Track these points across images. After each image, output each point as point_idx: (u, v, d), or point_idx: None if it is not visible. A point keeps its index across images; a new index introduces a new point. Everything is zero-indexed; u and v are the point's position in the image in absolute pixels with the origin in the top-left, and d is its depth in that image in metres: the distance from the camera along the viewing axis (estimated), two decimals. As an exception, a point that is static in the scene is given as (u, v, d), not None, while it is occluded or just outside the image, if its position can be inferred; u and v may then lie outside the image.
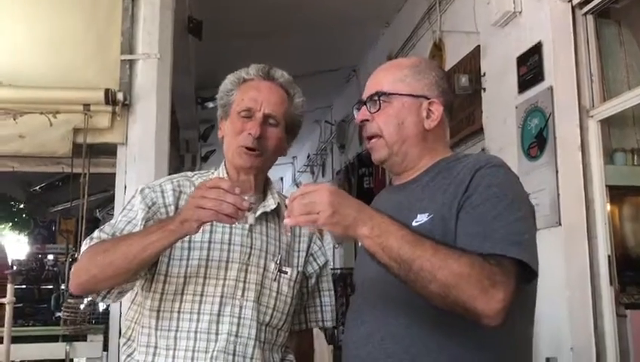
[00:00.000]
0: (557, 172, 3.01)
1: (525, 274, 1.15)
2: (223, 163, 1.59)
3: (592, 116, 3.06)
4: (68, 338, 3.48)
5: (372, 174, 6.19)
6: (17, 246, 8.39)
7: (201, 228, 1.28)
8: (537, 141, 3.18)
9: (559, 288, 2.89)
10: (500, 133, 3.56)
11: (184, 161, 7.69)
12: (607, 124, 3.08)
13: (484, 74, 3.78)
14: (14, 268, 7.08)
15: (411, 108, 1.36)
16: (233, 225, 1.47)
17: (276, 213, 1.57)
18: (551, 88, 3.07)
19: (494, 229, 1.15)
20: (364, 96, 1.40)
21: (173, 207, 1.48)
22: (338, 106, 8.08)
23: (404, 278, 1.12)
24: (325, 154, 8.76)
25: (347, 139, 7.41)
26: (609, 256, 2.93)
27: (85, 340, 3.51)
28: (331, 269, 1.73)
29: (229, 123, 1.54)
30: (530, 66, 3.24)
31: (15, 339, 3.37)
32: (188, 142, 7.55)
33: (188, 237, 1.39)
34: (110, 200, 5.95)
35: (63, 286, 6.11)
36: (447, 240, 1.17)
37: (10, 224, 9.41)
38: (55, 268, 7.27)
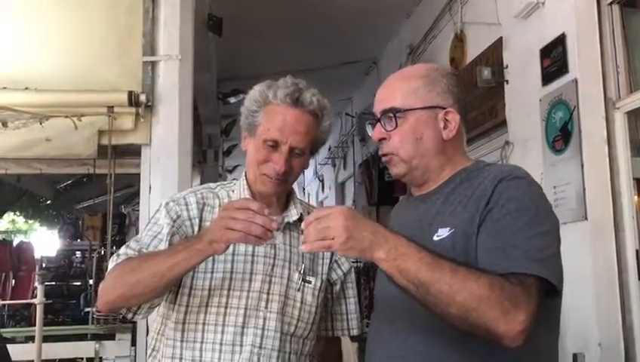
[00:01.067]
0: (582, 165, 2.97)
1: (548, 290, 1.13)
2: (244, 174, 1.59)
3: (618, 108, 3.00)
4: (96, 337, 3.55)
5: (394, 167, 6.16)
6: (46, 243, 8.55)
7: None
8: (562, 134, 3.13)
9: (586, 283, 2.86)
10: (524, 126, 3.52)
11: (206, 157, 7.74)
12: (634, 115, 3.01)
13: (507, 66, 3.74)
14: (43, 265, 7.25)
15: (427, 122, 1.32)
16: None
17: (299, 223, 1.57)
18: (575, 80, 3.02)
19: (515, 245, 1.13)
20: (376, 110, 1.37)
21: (197, 220, 1.50)
22: (358, 98, 8.05)
23: (423, 301, 1.10)
24: (346, 147, 8.75)
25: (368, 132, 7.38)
26: (637, 251, 2.89)
27: (114, 339, 3.57)
28: (353, 262, 1.73)
29: (254, 147, 1.52)
30: (554, 58, 3.19)
31: (45, 338, 3.45)
32: (210, 138, 7.60)
33: None
34: (135, 195, 6.04)
35: (91, 282, 6.24)
36: (469, 256, 1.16)
37: (39, 221, 9.60)
38: (83, 265, 7.40)
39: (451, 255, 1.15)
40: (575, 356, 2.87)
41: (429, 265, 1.09)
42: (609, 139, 2.99)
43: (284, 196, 1.59)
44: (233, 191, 1.58)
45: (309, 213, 1.60)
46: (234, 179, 1.64)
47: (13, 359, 3.01)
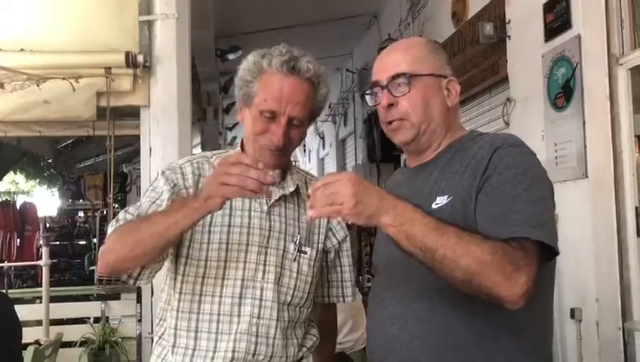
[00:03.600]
0: (584, 123, 2.95)
1: (545, 253, 1.16)
2: (240, 143, 1.57)
3: (621, 64, 2.96)
4: (102, 297, 3.62)
5: (395, 124, 6.11)
6: (48, 202, 8.59)
7: (221, 212, 1.29)
8: (564, 91, 3.10)
9: (585, 240, 2.89)
10: (526, 82, 3.48)
11: (206, 115, 7.71)
12: (637, 72, 2.97)
13: (509, 21, 3.67)
14: (47, 225, 7.31)
15: (434, 88, 1.34)
16: (252, 209, 1.49)
17: (295, 194, 1.57)
18: (579, 36, 2.97)
19: (515, 211, 1.15)
20: (381, 77, 1.36)
21: (192, 189, 1.49)
22: (359, 54, 7.95)
23: (429, 265, 1.13)
24: (347, 104, 8.69)
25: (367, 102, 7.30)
26: (637, 208, 2.90)
27: (119, 299, 3.64)
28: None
29: (251, 118, 1.49)
30: (557, 13, 3.13)
31: (52, 299, 3.51)
32: (209, 95, 7.55)
33: (208, 220, 1.41)
34: (136, 153, 6.04)
35: (95, 241, 6.31)
36: (468, 222, 1.18)
37: (39, 180, 9.63)
38: (86, 225, 7.47)
39: (451, 222, 1.16)
40: (573, 310, 2.92)
41: (434, 231, 1.11)
42: (611, 95, 2.96)
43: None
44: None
45: (306, 182, 1.61)
46: (231, 150, 1.61)
47: (21, 319, 3.07)
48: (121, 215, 1.45)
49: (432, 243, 1.11)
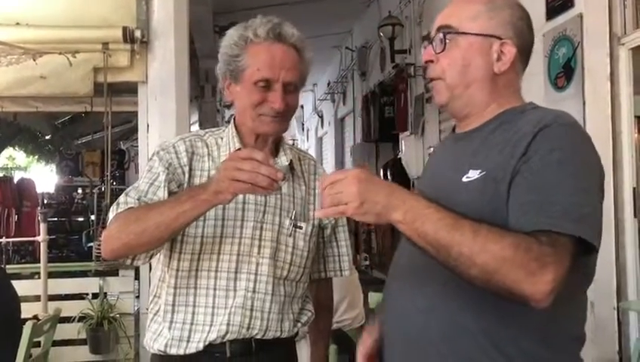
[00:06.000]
0: (584, 103, 2.94)
1: (583, 247, 1.06)
2: (232, 123, 1.57)
3: (623, 44, 2.94)
4: (100, 273, 3.62)
5: (393, 103, 6.10)
6: (46, 178, 8.58)
7: None
8: (565, 71, 3.08)
9: (582, 220, 2.89)
10: (526, 62, 3.46)
11: (204, 92, 7.66)
12: (639, 52, 2.96)
13: (511, -1, 3.63)
14: (45, 201, 7.31)
15: (480, 50, 1.22)
16: None
17: (289, 169, 1.57)
18: (580, 15, 2.94)
19: (552, 202, 1.05)
20: (432, 30, 1.28)
21: (187, 168, 1.49)
22: (358, 32, 7.88)
23: (444, 263, 1.06)
24: (346, 82, 8.64)
25: (368, 66, 7.27)
26: (634, 189, 2.90)
27: (117, 275, 3.65)
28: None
29: (244, 91, 1.48)
30: (560, -8, 3.10)
31: (50, 274, 3.52)
32: (207, 73, 7.49)
33: None
34: (134, 130, 6.02)
35: (92, 218, 6.31)
36: (498, 203, 1.10)
37: (37, 156, 9.60)
38: (84, 201, 7.46)
39: (478, 199, 1.11)
40: (568, 290, 2.94)
41: (448, 227, 1.04)
42: (612, 76, 2.94)
43: (273, 142, 1.57)
44: (222, 138, 1.55)
45: (300, 159, 1.63)
46: (223, 127, 1.60)
47: (20, 294, 3.08)
48: (122, 198, 1.44)
49: (446, 240, 1.03)
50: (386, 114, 6.20)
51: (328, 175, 1.12)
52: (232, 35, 1.49)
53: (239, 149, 1.50)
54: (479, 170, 1.15)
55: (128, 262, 1.45)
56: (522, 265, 1.00)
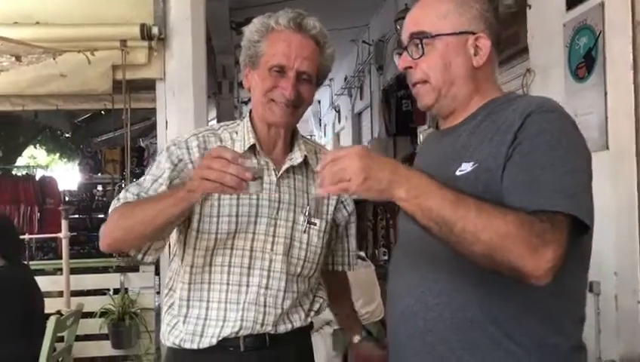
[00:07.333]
0: (606, 93, 2.88)
1: (578, 227, 1.08)
2: (248, 114, 1.56)
3: (646, 32, 2.89)
4: (121, 270, 3.66)
5: (411, 96, 6.05)
6: (67, 176, 8.69)
7: None
8: (585, 61, 3.03)
9: (605, 213, 2.83)
10: (546, 53, 3.41)
11: (221, 88, 7.69)
12: (662, 40, 2.90)
13: (530, -11, 3.58)
14: (66, 198, 7.40)
15: (457, 48, 1.24)
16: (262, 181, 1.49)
17: (304, 164, 1.56)
18: (602, 4, 2.89)
19: (544, 182, 1.07)
20: (404, 37, 1.30)
21: (198, 164, 1.47)
22: (375, 25, 7.84)
23: (446, 239, 1.07)
24: (363, 76, 8.60)
25: (385, 60, 7.23)
26: (658, 180, 2.85)
27: (137, 271, 3.69)
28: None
29: (259, 77, 1.48)
30: (580, -20, 3.04)
31: (72, 270, 3.57)
32: (224, 69, 7.52)
33: (216, 194, 1.41)
34: (153, 127, 6.07)
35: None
36: (493, 192, 1.11)
37: (58, 155, 9.72)
38: (104, 198, 7.54)
39: (473, 191, 1.11)
40: (591, 284, 2.90)
41: (452, 203, 1.04)
42: (635, 65, 2.88)
43: (289, 136, 1.56)
44: (237, 132, 1.55)
45: (316, 153, 1.61)
46: (239, 120, 1.60)
47: (43, 290, 3.13)
48: (122, 193, 1.46)
49: (449, 216, 1.04)
50: (404, 107, 6.17)
51: (329, 152, 1.11)
52: (255, 22, 1.51)
53: (253, 145, 1.50)
54: (472, 162, 1.17)
55: (139, 257, 1.46)
56: (525, 241, 1.02)
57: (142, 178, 1.50)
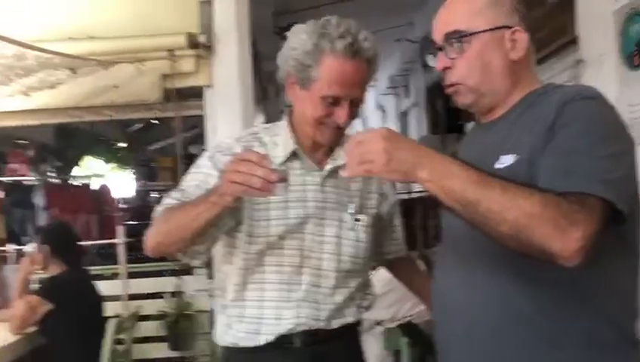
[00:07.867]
0: (662, 81, 2.79)
1: (617, 216, 1.06)
2: (287, 121, 1.58)
3: (703, 16, 2.77)
4: (177, 273, 3.76)
5: (458, 93, 5.97)
6: (123, 185, 8.96)
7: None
8: (639, 49, 2.93)
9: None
10: (597, 42, 3.31)
11: (267, 93, 7.77)
12: None
13: (578, -22, 3.49)
14: (122, 206, 7.63)
15: (494, 44, 1.23)
16: (307, 183, 1.53)
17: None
18: (655, -12, 2.80)
19: (579, 164, 1.06)
20: (436, 36, 1.29)
21: None
22: (420, 22, 7.76)
23: (471, 221, 1.06)
24: (408, 75, 8.54)
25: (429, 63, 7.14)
26: None
27: (192, 274, 3.77)
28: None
29: (309, 101, 1.47)
30: (631, -35, 2.95)
31: (130, 275, 3.68)
32: (270, 74, 7.58)
33: (266, 198, 1.44)
34: (202, 135, 6.20)
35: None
36: (533, 183, 1.09)
37: (115, 164, 10.02)
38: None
39: None
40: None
41: (476, 183, 1.04)
42: (692, 50, 2.77)
43: None
44: (277, 135, 1.58)
45: None
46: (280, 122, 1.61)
47: (102, 294, 3.25)
48: (165, 200, 1.51)
49: (474, 196, 1.03)
50: (451, 104, 6.08)
51: (355, 134, 1.11)
52: (305, 41, 1.45)
53: (294, 151, 1.53)
54: (512, 155, 1.16)
55: (186, 259, 1.52)
56: (551, 220, 1.00)
57: (184, 183, 1.54)
